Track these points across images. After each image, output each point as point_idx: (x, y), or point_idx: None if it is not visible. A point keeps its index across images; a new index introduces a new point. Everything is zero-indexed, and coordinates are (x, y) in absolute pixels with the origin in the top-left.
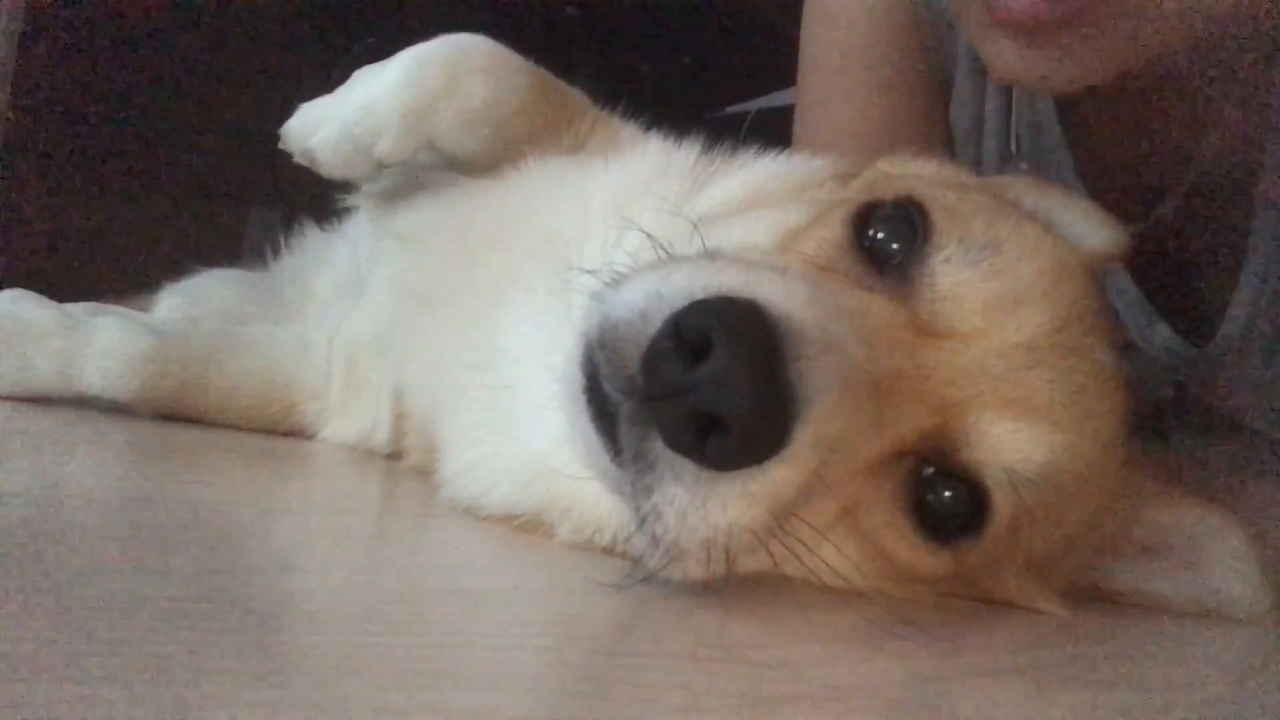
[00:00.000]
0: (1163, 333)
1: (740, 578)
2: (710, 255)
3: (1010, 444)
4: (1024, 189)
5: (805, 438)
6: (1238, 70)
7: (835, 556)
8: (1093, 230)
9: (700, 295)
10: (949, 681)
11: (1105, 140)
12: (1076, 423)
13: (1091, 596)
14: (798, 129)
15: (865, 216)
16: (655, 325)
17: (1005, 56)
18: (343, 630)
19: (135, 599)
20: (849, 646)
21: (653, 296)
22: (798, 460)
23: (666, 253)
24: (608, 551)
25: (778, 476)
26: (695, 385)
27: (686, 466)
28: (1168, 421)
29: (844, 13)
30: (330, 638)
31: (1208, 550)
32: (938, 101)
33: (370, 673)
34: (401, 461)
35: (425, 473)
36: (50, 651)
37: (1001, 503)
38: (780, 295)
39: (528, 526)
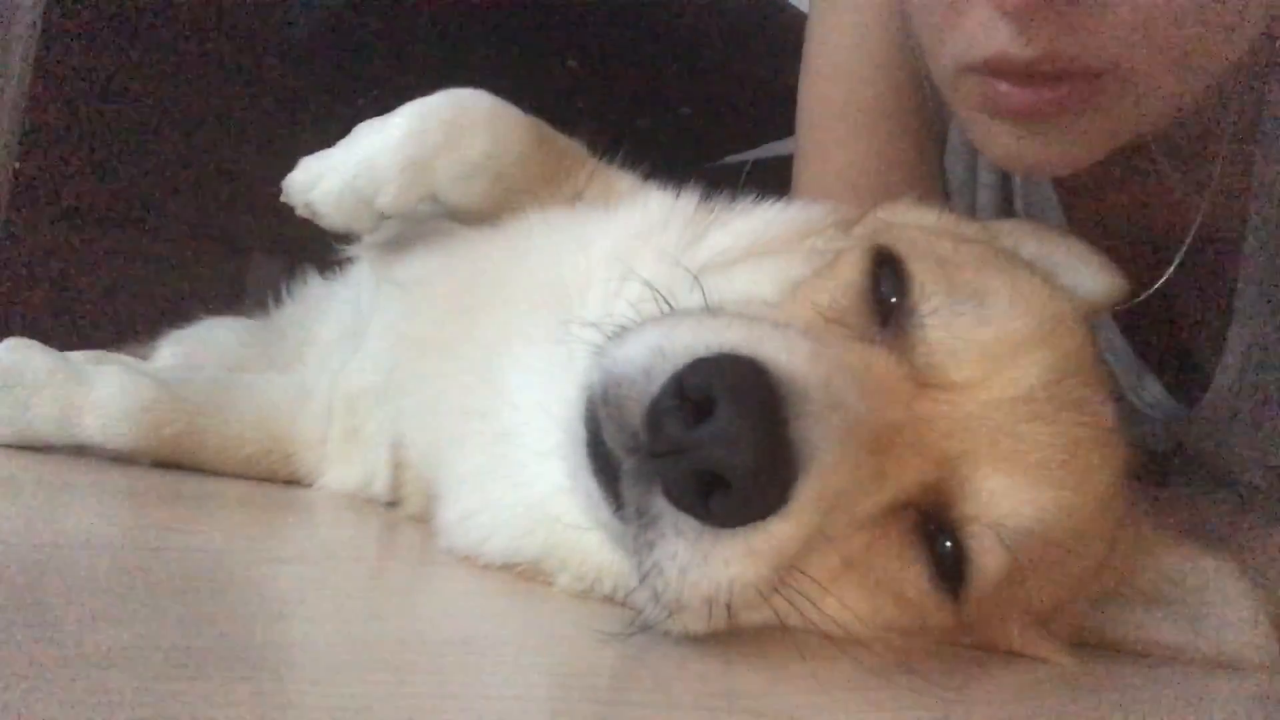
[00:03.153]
0: (1153, 389)
1: (743, 627)
2: (712, 310)
3: (1001, 500)
4: (1023, 235)
5: (807, 495)
6: (1224, 132)
7: (838, 609)
8: (1091, 276)
9: (703, 353)
10: None
11: (1098, 200)
12: (1072, 478)
13: (1095, 645)
14: (797, 178)
15: (875, 265)
16: (658, 383)
17: (998, 141)
18: (342, 680)
19: (133, 648)
20: (852, 696)
21: (655, 353)
22: (800, 517)
23: (668, 304)
24: (608, 600)
25: (780, 533)
26: (698, 444)
27: (689, 523)
28: (1166, 471)
29: (842, 66)
30: (330, 687)
31: (1211, 599)
32: (933, 152)
33: None
34: (400, 510)
35: (424, 521)
36: (48, 702)
37: (986, 558)
38: (782, 352)
39: (527, 575)
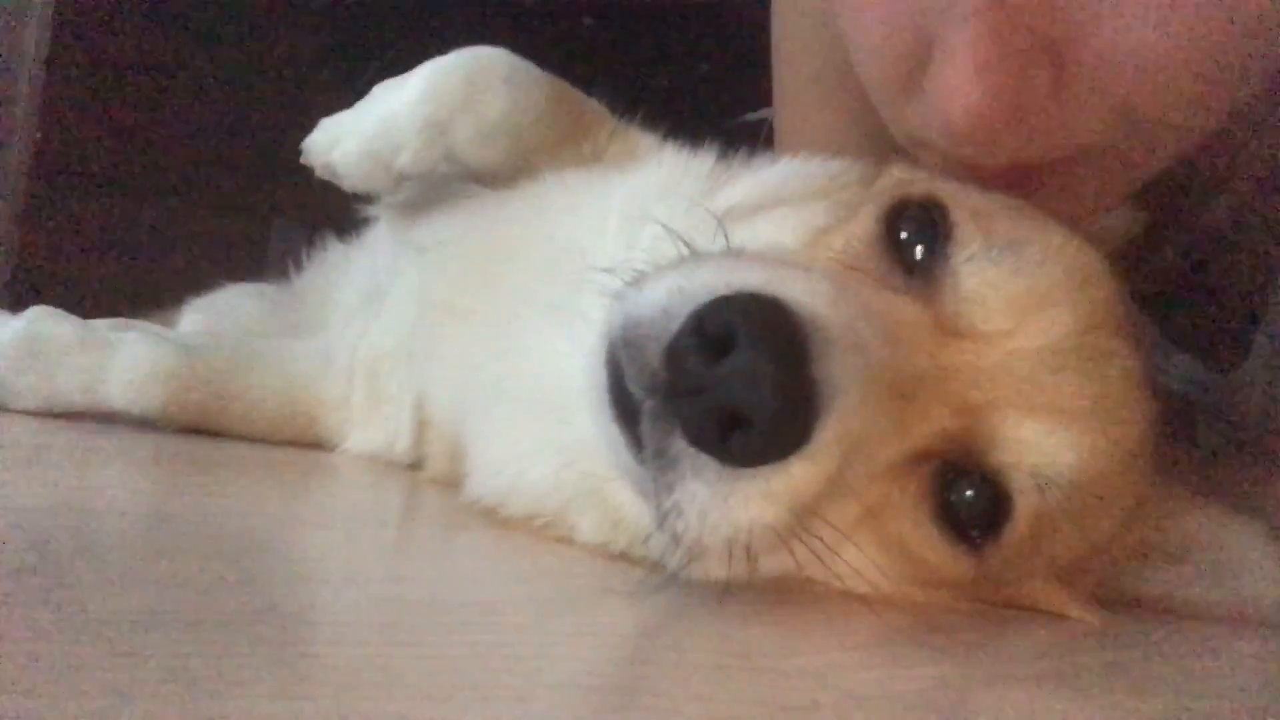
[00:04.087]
0: (1183, 364)
1: (762, 584)
2: (734, 253)
3: (1036, 447)
4: None
5: (827, 435)
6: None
7: (858, 558)
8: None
9: (724, 292)
10: (975, 688)
11: None
12: (1102, 427)
13: (1122, 603)
14: (779, 137)
15: (895, 215)
16: (678, 321)
17: None
18: (365, 642)
19: (158, 611)
20: (873, 654)
21: (675, 293)
22: (820, 458)
23: (688, 248)
24: (628, 559)
25: (800, 474)
26: (718, 382)
27: (708, 463)
28: (1195, 425)
29: (813, 25)
30: (353, 649)
31: (1239, 557)
32: None
33: (393, 684)
34: (423, 472)
35: (446, 483)
36: (74, 664)
37: (1024, 505)
38: (805, 293)
39: (549, 529)
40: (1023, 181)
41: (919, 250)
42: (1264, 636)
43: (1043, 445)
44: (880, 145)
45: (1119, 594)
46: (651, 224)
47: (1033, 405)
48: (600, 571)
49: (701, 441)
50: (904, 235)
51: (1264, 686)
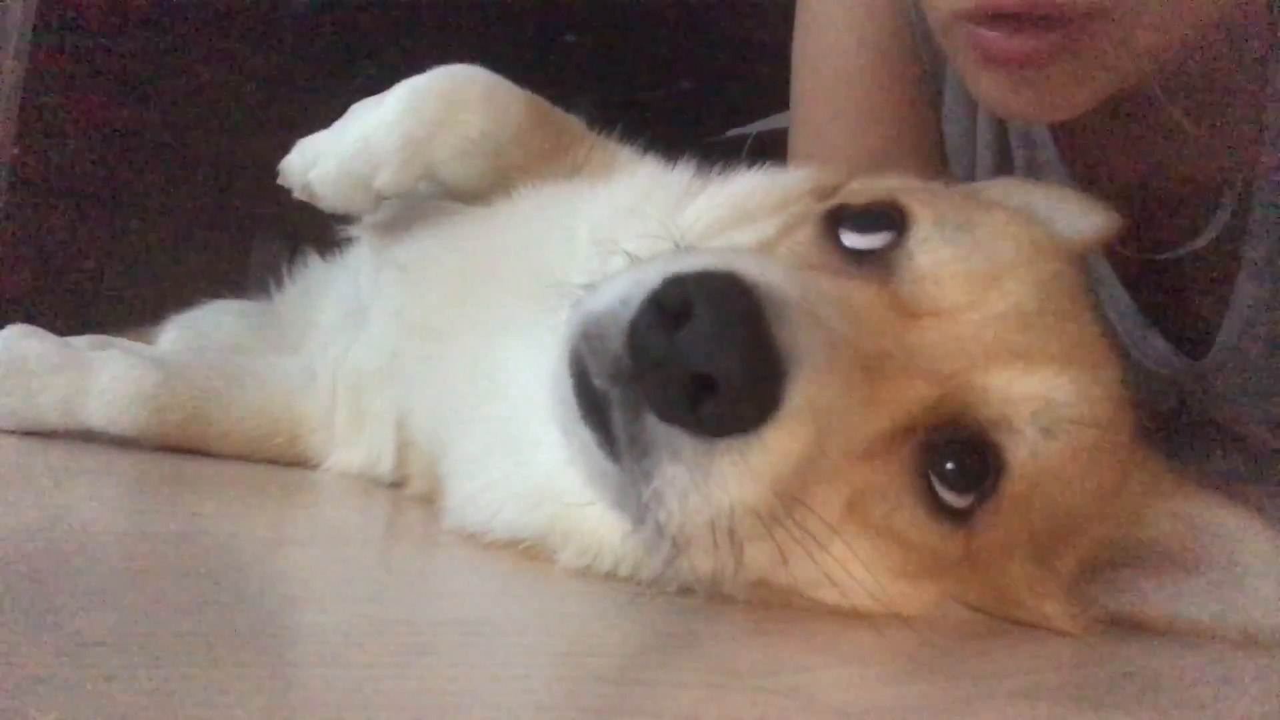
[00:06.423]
0: (1157, 344)
1: (749, 601)
2: (686, 249)
3: (1026, 391)
4: (1006, 191)
5: (799, 400)
6: (1220, 80)
7: (844, 553)
8: (1077, 216)
9: (678, 270)
10: (964, 705)
11: (1100, 155)
12: (1086, 368)
13: (1124, 625)
14: (792, 152)
15: (838, 215)
16: (636, 304)
17: (991, 91)
18: (348, 662)
19: (137, 633)
20: (861, 671)
21: (632, 284)
22: (793, 425)
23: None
24: (611, 578)
25: (775, 445)
26: (680, 349)
27: (682, 440)
28: (1170, 434)
29: (833, 37)
30: (336, 670)
31: (1243, 561)
32: (931, 117)
33: (376, 705)
34: (405, 490)
35: (429, 501)
36: (50, 686)
37: (1021, 456)
38: (759, 270)
39: (531, 552)
40: (1041, 45)
41: (867, 244)
42: (1270, 659)
43: (1037, 388)
44: (893, 153)
45: (1120, 614)
46: (617, 250)
47: (1013, 356)
48: (586, 590)
49: (671, 414)
50: (853, 230)
51: (1269, 712)
